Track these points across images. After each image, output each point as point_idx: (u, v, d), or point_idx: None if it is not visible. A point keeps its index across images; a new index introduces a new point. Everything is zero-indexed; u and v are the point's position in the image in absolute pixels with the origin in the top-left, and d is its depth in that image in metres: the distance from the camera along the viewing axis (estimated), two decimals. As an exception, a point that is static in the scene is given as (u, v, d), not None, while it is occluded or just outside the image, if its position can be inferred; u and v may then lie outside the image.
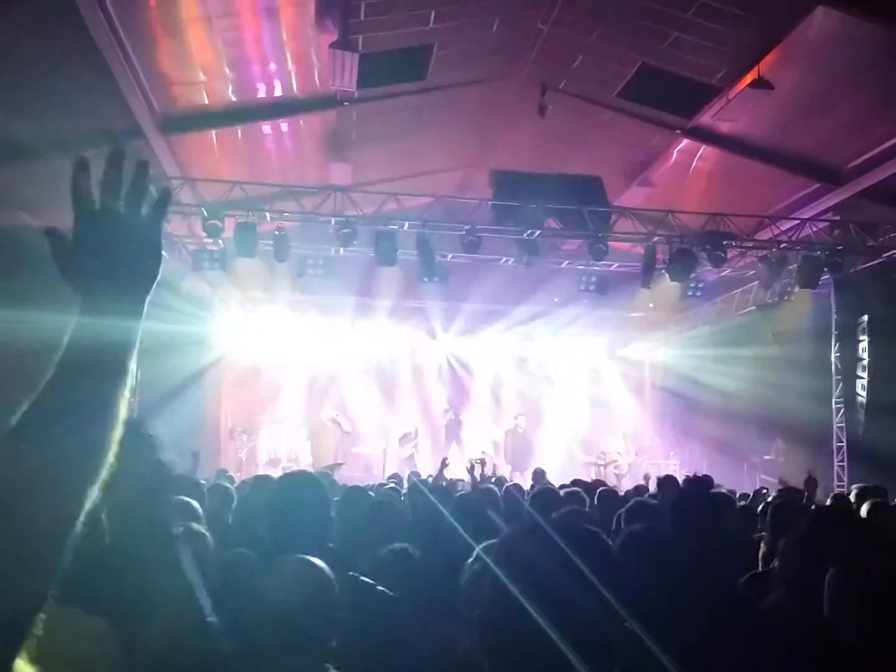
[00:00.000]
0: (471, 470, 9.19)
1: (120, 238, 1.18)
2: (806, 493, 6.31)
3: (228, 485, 5.89)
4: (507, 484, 8.11)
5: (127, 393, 1.14)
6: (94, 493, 1.07)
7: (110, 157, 1.19)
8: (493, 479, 9.39)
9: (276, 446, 17.93)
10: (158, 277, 1.22)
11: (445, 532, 3.60)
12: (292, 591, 2.28)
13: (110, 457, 1.10)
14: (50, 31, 8.18)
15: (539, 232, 13.25)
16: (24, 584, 0.99)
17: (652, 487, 8.92)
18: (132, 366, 1.16)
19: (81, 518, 1.05)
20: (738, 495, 8.89)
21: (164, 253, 1.23)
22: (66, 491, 1.05)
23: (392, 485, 8.59)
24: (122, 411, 1.13)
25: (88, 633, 1.78)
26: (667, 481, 6.75)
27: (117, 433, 1.12)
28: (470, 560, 2.81)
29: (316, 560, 2.40)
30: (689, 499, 3.54)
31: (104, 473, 1.09)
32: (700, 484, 4.10)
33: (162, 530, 1.89)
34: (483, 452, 9.64)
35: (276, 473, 10.43)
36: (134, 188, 1.21)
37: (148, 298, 1.20)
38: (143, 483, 1.74)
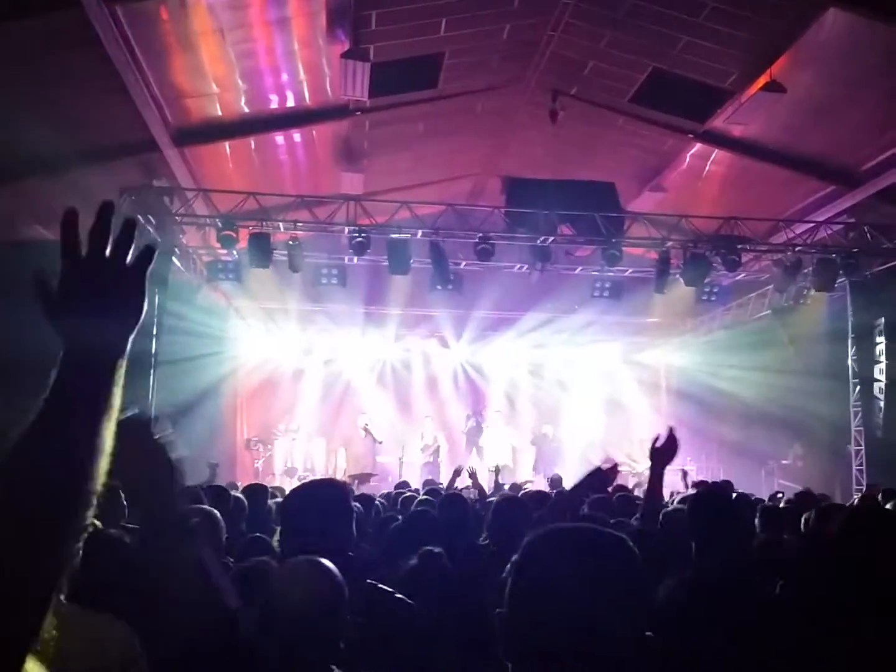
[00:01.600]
0: (473, 476, 9.12)
1: (103, 281, 1.22)
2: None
3: (240, 495, 5.92)
4: (524, 490, 8.07)
5: (111, 423, 1.18)
6: (84, 516, 1.12)
7: (101, 209, 1.23)
8: (506, 487, 9.34)
9: (291, 456, 17.96)
10: (141, 318, 1.25)
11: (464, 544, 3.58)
12: (299, 589, 2.29)
13: (97, 482, 1.14)
14: (63, 45, 8.27)
15: (552, 238, 13.25)
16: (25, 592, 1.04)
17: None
18: (116, 400, 1.19)
19: (76, 543, 1.11)
20: (754, 500, 8.82)
21: (146, 298, 1.26)
22: (50, 519, 1.09)
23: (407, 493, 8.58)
24: (108, 440, 1.17)
25: (105, 633, 1.79)
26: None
27: (104, 457, 1.16)
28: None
29: (324, 561, 2.40)
30: (710, 507, 3.51)
31: (95, 495, 1.14)
32: (719, 493, 4.07)
33: (179, 527, 1.90)
34: (495, 466, 9.61)
35: (292, 483, 10.46)
36: (120, 239, 1.24)
37: (131, 337, 1.24)
38: (159, 482, 1.74)
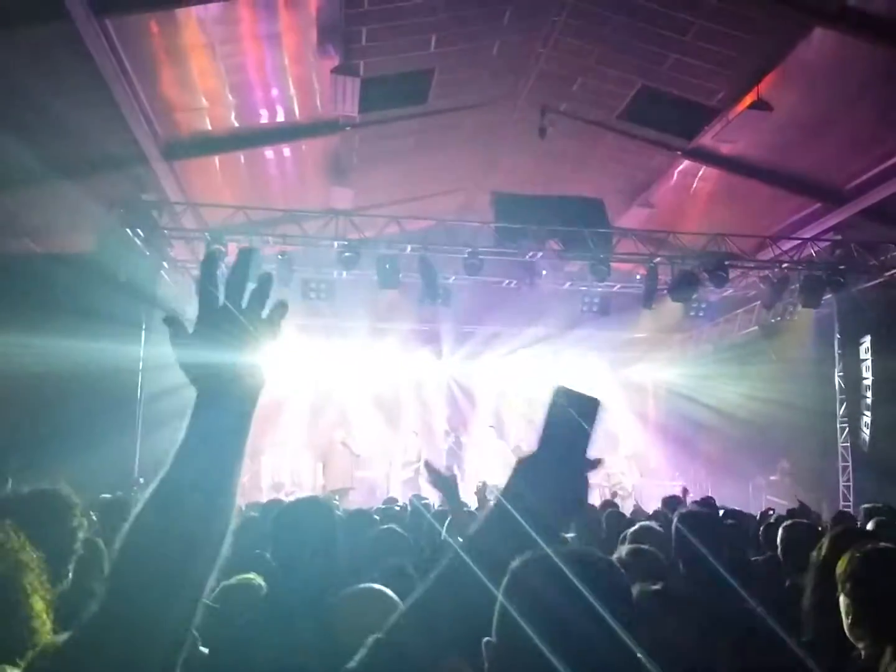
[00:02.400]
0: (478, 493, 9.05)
1: (238, 333, 1.21)
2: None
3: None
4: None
5: (241, 467, 1.22)
6: (221, 555, 1.18)
7: (239, 256, 1.24)
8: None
9: (279, 470, 17.86)
10: (271, 368, 1.26)
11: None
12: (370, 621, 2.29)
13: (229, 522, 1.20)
14: (53, 58, 8.26)
15: (541, 254, 13.30)
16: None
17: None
18: (244, 448, 1.22)
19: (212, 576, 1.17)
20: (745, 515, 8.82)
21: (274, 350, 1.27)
22: (199, 558, 1.15)
23: (397, 508, 8.54)
24: (238, 482, 1.21)
25: None
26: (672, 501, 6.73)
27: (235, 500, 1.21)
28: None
29: (385, 589, 2.39)
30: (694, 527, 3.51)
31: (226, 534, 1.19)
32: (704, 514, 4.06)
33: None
34: (481, 482, 9.55)
35: (280, 497, 10.41)
36: (257, 292, 1.25)
37: (259, 398, 1.25)
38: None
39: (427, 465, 4.10)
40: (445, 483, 3.70)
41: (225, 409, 1.20)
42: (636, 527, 4.75)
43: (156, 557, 1.10)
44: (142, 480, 10.43)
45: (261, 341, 1.24)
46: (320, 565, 2.88)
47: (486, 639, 1.39)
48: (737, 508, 8.50)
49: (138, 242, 11.90)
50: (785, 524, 4.88)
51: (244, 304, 1.23)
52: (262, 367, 1.25)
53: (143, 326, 11.68)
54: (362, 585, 2.54)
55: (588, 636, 1.31)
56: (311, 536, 3.00)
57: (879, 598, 2.51)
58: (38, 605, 1.55)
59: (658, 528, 4.76)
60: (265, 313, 1.25)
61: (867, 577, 2.53)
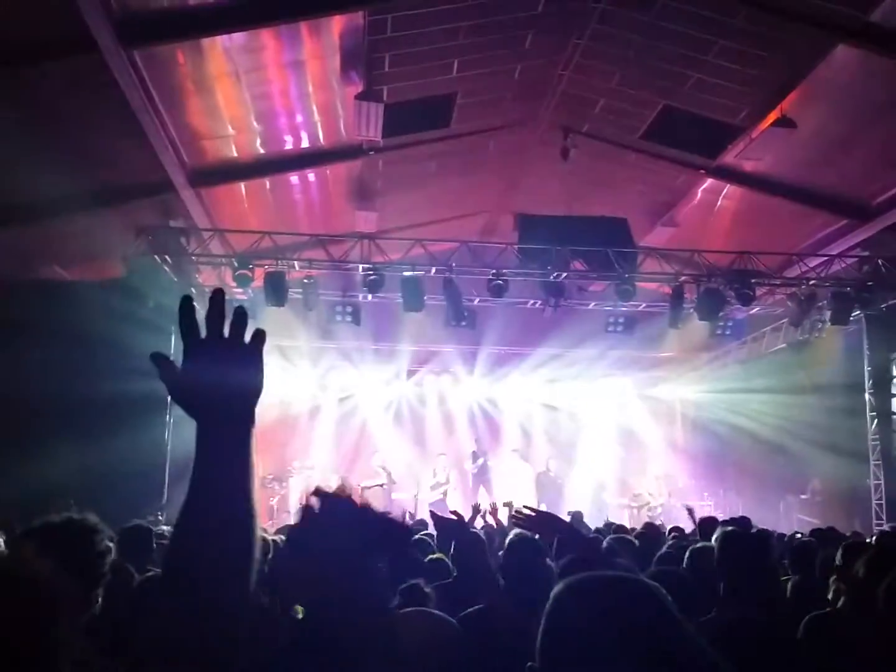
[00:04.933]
0: (483, 514, 8.93)
1: (225, 360, 1.32)
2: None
3: (264, 534, 5.88)
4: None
5: (256, 478, 1.32)
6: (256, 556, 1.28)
7: (213, 295, 1.36)
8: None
9: (307, 493, 17.85)
10: (262, 392, 1.37)
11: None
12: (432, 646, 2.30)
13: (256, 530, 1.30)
14: (82, 88, 8.43)
15: (565, 274, 13.28)
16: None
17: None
18: (251, 463, 1.31)
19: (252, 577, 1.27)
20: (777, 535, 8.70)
21: (264, 373, 1.38)
22: (232, 562, 1.25)
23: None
24: (253, 494, 1.30)
25: None
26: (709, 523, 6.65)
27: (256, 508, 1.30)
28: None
29: (439, 613, 2.40)
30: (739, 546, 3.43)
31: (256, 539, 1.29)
32: (749, 532, 3.97)
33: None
34: (507, 502, 9.48)
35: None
36: (235, 323, 1.36)
37: (256, 409, 1.35)
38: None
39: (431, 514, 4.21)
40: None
41: (224, 434, 1.30)
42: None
43: (192, 580, 1.20)
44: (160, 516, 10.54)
45: (246, 360, 1.35)
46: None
47: (529, 664, 1.39)
48: (768, 528, 8.38)
49: (166, 269, 12.03)
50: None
51: (226, 334, 1.34)
52: (252, 387, 1.35)
53: (172, 351, 11.78)
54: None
55: (632, 661, 1.29)
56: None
57: None
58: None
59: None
60: (246, 340, 1.36)
61: None
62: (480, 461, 18.30)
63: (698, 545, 4.57)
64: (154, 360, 1.33)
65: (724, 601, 3.27)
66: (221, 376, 1.32)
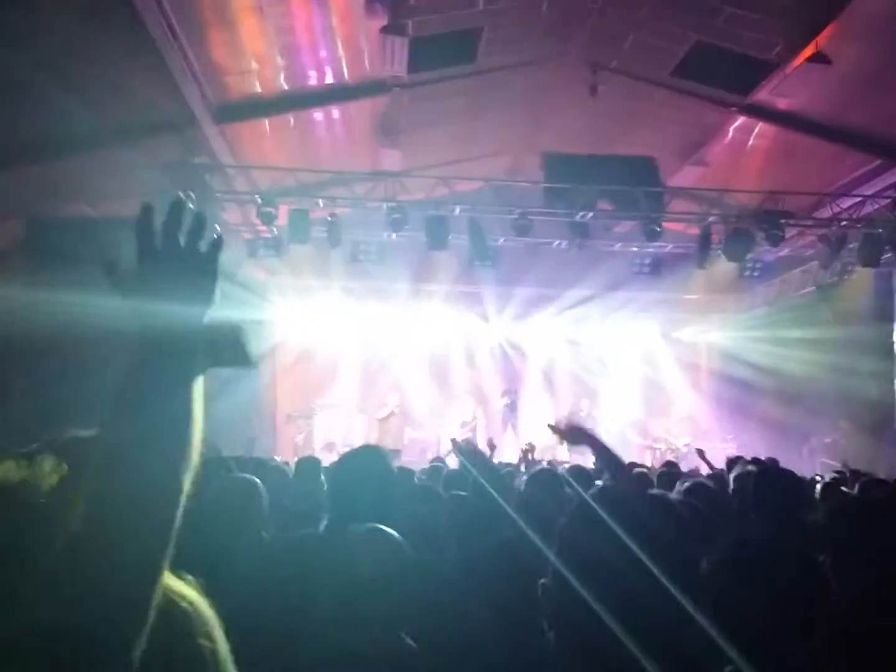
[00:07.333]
0: (524, 455, 9.09)
1: (181, 266, 1.27)
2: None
3: (285, 467, 5.98)
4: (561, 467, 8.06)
5: (199, 384, 1.24)
6: (188, 468, 1.17)
7: (172, 205, 1.28)
8: (542, 463, 9.30)
9: (331, 431, 18.11)
10: (215, 299, 1.32)
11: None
12: (366, 559, 2.33)
13: (196, 433, 1.20)
14: (102, 22, 8.32)
15: (591, 214, 13.15)
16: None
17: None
18: (196, 408, 1.22)
19: (183, 490, 1.16)
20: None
21: (217, 281, 1.33)
22: (161, 464, 1.14)
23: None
24: (199, 397, 1.23)
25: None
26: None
27: (198, 412, 1.21)
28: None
29: (386, 528, 2.44)
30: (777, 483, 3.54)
31: (193, 451, 1.19)
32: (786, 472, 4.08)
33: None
34: (528, 444, 9.56)
35: (332, 457, 10.55)
36: (192, 229, 1.30)
37: (204, 317, 1.30)
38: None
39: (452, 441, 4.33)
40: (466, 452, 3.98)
41: (163, 367, 1.20)
42: (689, 482, 4.75)
43: (108, 522, 1.08)
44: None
45: (203, 275, 1.30)
46: (378, 509, 2.93)
47: (541, 580, 1.45)
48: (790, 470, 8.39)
49: (190, 205, 12.03)
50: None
51: (182, 243, 1.28)
52: (205, 297, 1.30)
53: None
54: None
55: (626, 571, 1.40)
56: (370, 480, 3.08)
57: None
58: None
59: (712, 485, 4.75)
60: (203, 248, 1.30)
61: None
62: (506, 400, 18.43)
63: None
64: (105, 268, 1.24)
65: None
66: (173, 282, 1.25)
